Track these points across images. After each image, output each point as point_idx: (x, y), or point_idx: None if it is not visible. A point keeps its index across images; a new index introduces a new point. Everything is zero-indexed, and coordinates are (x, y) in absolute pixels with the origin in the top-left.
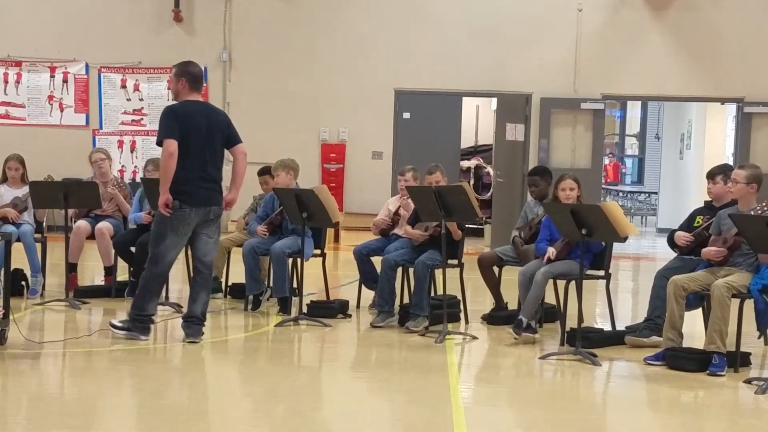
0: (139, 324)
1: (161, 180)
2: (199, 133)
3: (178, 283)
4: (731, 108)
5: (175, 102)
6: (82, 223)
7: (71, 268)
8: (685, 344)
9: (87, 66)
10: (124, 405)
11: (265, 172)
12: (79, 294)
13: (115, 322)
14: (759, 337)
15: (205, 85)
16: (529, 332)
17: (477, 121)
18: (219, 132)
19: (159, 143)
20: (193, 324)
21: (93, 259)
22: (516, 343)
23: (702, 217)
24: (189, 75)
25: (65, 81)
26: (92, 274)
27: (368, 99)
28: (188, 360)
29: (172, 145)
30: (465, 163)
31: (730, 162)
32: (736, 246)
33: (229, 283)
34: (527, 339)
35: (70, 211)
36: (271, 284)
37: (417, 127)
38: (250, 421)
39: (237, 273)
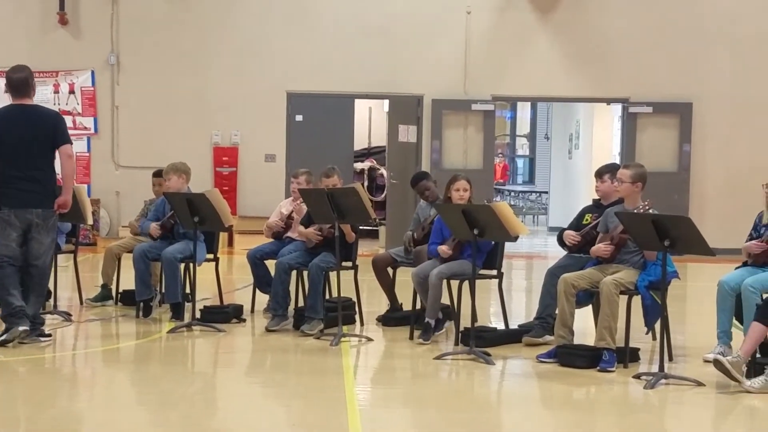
0: (14, 318)
1: None
2: (14, 135)
3: (68, 291)
4: (617, 108)
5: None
6: None
7: None
8: (576, 341)
9: None
10: (11, 416)
11: (158, 174)
12: None
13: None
14: (647, 333)
15: (92, 88)
16: (439, 329)
17: (370, 123)
18: (42, 134)
19: None
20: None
21: None
22: (416, 345)
23: (590, 215)
24: (7, 81)
25: None
26: None
27: (260, 101)
28: (78, 368)
29: None
30: (359, 165)
31: (617, 161)
32: (622, 243)
33: (120, 290)
34: (434, 339)
35: None
36: (163, 290)
37: (310, 130)
38: (145, 430)
39: (128, 280)
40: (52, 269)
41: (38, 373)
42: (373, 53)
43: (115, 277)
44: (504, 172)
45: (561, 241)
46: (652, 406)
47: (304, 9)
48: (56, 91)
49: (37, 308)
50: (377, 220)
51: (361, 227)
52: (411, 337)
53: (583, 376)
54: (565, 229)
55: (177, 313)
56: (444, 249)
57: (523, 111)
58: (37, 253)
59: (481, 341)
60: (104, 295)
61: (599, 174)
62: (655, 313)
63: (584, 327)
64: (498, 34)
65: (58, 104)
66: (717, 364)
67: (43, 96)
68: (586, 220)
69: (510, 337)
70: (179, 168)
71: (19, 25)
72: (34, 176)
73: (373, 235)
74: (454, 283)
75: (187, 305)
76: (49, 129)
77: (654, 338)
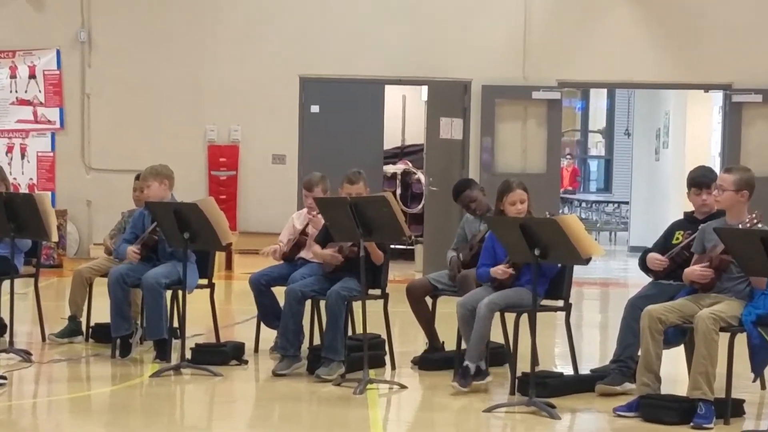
0: None
1: None
2: None
3: (27, 324)
4: (717, 97)
5: None
6: None
7: None
8: (664, 390)
9: None
10: None
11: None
12: None
13: None
14: (754, 381)
15: (58, 71)
16: (479, 379)
17: (404, 116)
18: None
19: None
20: None
21: None
22: (457, 393)
23: (682, 232)
24: None
25: None
26: None
27: (266, 90)
28: (40, 421)
29: None
30: (389, 168)
31: (717, 163)
32: (723, 267)
33: (92, 323)
34: (478, 387)
35: None
36: (145, 323)
37: (328, 124)
38: None
39: (101, 310)
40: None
41: None
42: (408, 29)
43: (85, 308)
44: (573, 177)
45: (645, 265)
46: None
47: None
48: (12, 76)
49: None
50: (412, 238)
51: (392, 246)
52: None
53: None
54: (650, 250)
55: (162, 352)
56: (500, 270)
57: (598, 100)
58: None
59: (543, 390)
60: (72, 330)
61: (695, 184)
62: (765, 356)
63: (674, 372)
64: (566, 4)
65: (15, 91)
66: None
67: None
68: (677, 238)
69: (580, 384)
70: (159, 172)
71: None
72: None
73: (408, 256)
74: (510, 317)
75: (175, 343)
76: None
77: (763, 387)
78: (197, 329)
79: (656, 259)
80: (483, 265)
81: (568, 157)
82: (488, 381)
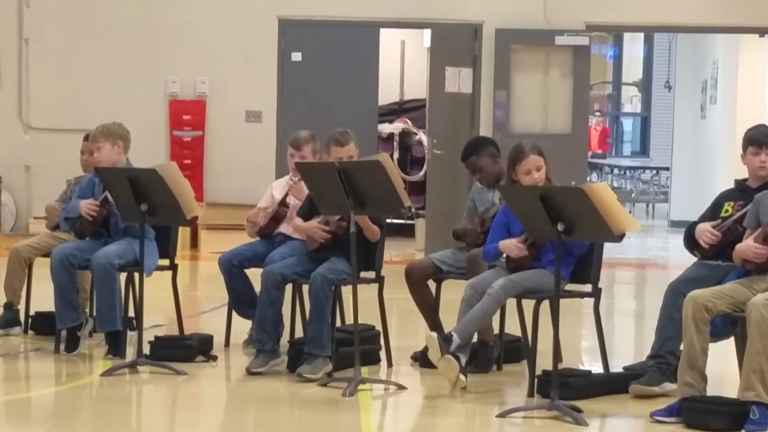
0: None
1: None
2: None
3: None
4: None
5: None
6: None
7: None
8: (710, 391)
9: None
10: None
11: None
12: None
13: None
14: None
15: None
16: (456, 361)
17: (402, 65)
18: None
19: None
20: None
21: None
22: (466, 396)
23: (732, 203)
24: None
25: None
26: None
27: (239, 33)
28: None
29: None
30: (386, 128)
31: None
32: None
33: (31, 312)
34: (448, 368)
35: None
36: (95, 312)
37: (312, 75)
38: None
39: (43, 296)
40: None
41: None
42: None
43: (24, 294)
44: (603, 138)
45: (690, 241)
46: None
47: None
48: None
49: None
50: (413, 210)
51: (388, 220)
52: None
53: None
54: (695, 224)
55: (115, 346)
56: (512, 244)
57: (633, 47)
58: None
59: (567, 390)
60: (8, 319)
61: (752, 142)
62: None
63: (722, 370)
64: None
65: None
66: None
67: None
68: (726, 210)
69: (611, 384)
70: (112, 132)
71: None
72: None
73: (407, 231)
74: (529, 304)
75: (131, 335)
76: None
77: None
78: (157, 319)
79: (705, 233)
80: (492, 242)
81: (597, 114)
82: (462, 382)
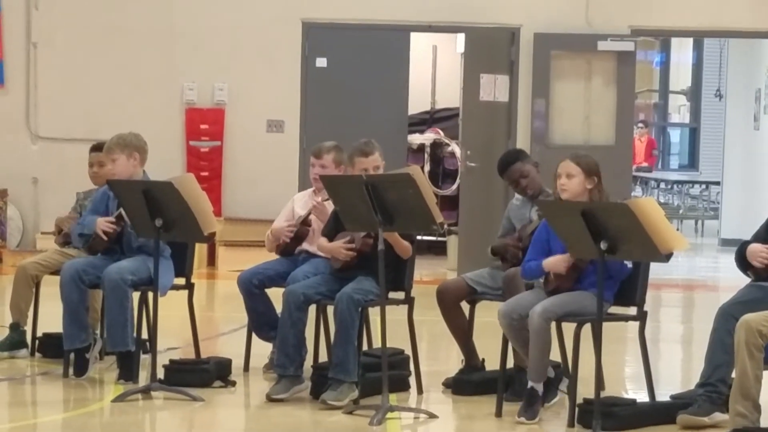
0: None
1: None
2: None
3: None
4: None
5: None
6: None
7: None
8: (766, 422)
9: None
10: None
11: (99, 149)
12: None
13: None
14: None
15: None
16: (549, 399)
17: (434, 72)
18: None
19: None
20: None
21: None
22: (503, 424)
23: None
24: None
25: None
26: None
27: (260, 37)
28: None
29: None
30: (416, 139)
31: None
32: None
33: (39, 334)
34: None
35: None
36: (105, 333)
37: (338, 82)
38: None
39: (51, 317)
40: None
41: None
42: None
43: (30, 314)
44: (649, 151)
45: (742, 262)
46: None
47: None
48: None
49: None
50: (445, 227)
51: (419, 237)
52: (499, 413)
53: None
54: (748, 242)
55: (127, 370)
56: (556, 262)
57: (681, 53)
58: None
59: (611, 421)
60: (14, 341)
61: None
62: None
63: None
64: None
65: None
66: None
67: None
68: None
69: (657, 414)
70: (129, 143)
71: None
72: None
73: (439, 249)
74: (569, 328)
75: (144, 358)
76: None
77: None
78: (172, 341)
79: (760, 251)
80: (531, 260)
81: (641, 125)
82: (560, 396)
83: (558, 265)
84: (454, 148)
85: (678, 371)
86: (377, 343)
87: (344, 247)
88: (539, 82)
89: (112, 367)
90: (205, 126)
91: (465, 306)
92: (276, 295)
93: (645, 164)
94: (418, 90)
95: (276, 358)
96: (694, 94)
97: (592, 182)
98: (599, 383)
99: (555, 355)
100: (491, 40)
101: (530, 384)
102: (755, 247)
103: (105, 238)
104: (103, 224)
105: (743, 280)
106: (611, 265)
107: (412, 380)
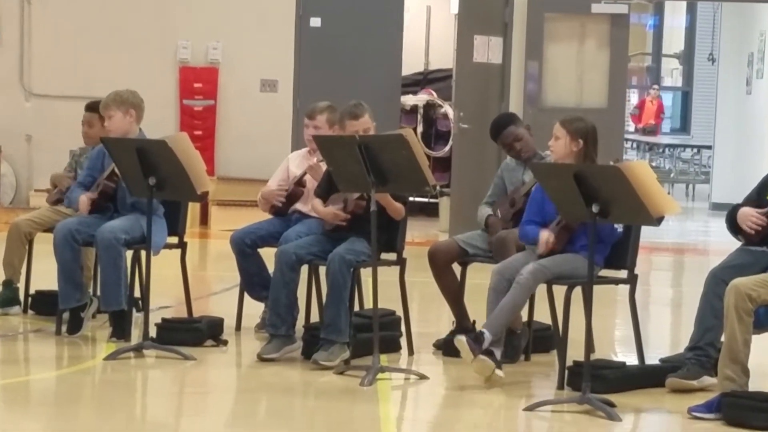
0: None
1: None
2: None
3: None
4: None
5: None
6: None
7: None
8: (753, 386)
9: None
10: None
11: (92, 108)
12: None
13: None
14: None
15: None
16: (490, 358)
17: (428, 33)
18: None
19: None
20: None
21: None
22: (487, 380)
23: None
24: None
25: None
26: None
27: None
28: None
29: None
30: (409, 100)
31: None
32: None
33: (32, 291)
34: (483, 368)
35: None
36: (99, 291)
37: (332, 42)
38: None
39: (44, 274)
40: None
41: None
42: None
43: (24, 271)
44: (658, 113)
45: (733, 225)
46: None
47: None
48: None
49: None
50: (437, 188)
51: (411, 198)
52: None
53: None
54: (738, 206)
55: (120, 328)
56: (545, 241)
57: (675, 16)
58: None
59: (600, 383)
60: (7, 298)
61: None
62: None
63: (766, 364)
64: None
65: None
66: None
67: None
68: None
69: (646, 377)
70: (125, 99)
71: None
72: None
73: (431, 211)
74: (560, 291)
75: (136, 317)
76: None
77: None
78: (164, 300)
79: (750, 216)
80: (530, 222)
81: (655, 88)
82: (500, 376)
83: (542, 245)
84: (447, 109)
85: (667, 335)
86: (369, 304)
87: (338, 216)
88: (533, 44)
89: (105, 325)
90: (198, 85)
91: (457, 268)
92: (268, 255)
93: (652, 122)
94: (411, 51)
95: (268, 318)
96: (687, 57)
97: (577, 145)
98: (589, 346)
99: (545, 317)
100: (485, 2)
101: (482, 329)
102: (746, 211)
103: (85, 213)
104: (86, 205)
105: (733, 244)
106: (602, 229)
107: (403, 341)
